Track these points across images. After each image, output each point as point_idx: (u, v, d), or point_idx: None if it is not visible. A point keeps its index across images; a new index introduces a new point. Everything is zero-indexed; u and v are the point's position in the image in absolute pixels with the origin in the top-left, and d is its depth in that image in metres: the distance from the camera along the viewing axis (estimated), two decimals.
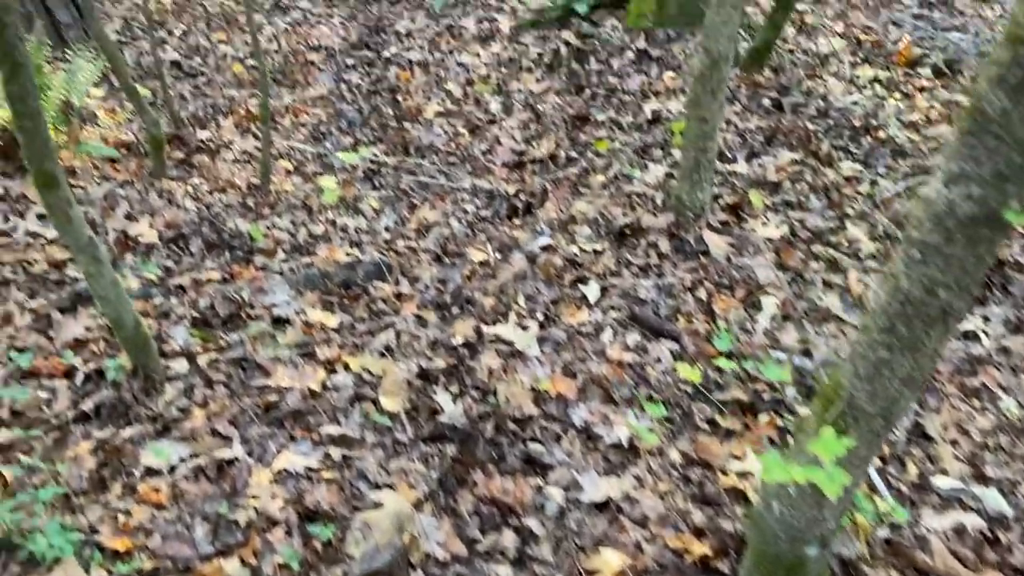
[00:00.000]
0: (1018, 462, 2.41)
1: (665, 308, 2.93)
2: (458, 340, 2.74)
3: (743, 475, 2.29)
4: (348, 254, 3.44)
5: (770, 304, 2.96)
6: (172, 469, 2.18)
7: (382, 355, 2.69)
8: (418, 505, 2.12)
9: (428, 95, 5.46)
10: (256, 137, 4.77)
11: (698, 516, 2.14)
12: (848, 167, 3.92)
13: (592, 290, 3.03)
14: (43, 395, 2.37)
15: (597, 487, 2.20)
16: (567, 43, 5.73)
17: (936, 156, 3.95)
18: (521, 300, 2.99)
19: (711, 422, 2.53)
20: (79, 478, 2.12)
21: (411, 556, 1.98)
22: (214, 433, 2.30)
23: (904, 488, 2.29)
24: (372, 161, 4.58)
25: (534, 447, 2.33)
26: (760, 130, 4.29)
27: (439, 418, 2.40)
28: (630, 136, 4.44)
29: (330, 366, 2.62)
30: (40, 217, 3.43)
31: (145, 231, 3.35)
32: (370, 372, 2.58)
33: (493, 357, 2.64)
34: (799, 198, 3.66)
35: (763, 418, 2.51)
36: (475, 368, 2.60)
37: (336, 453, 2.25)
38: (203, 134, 4.76)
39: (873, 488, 2.26)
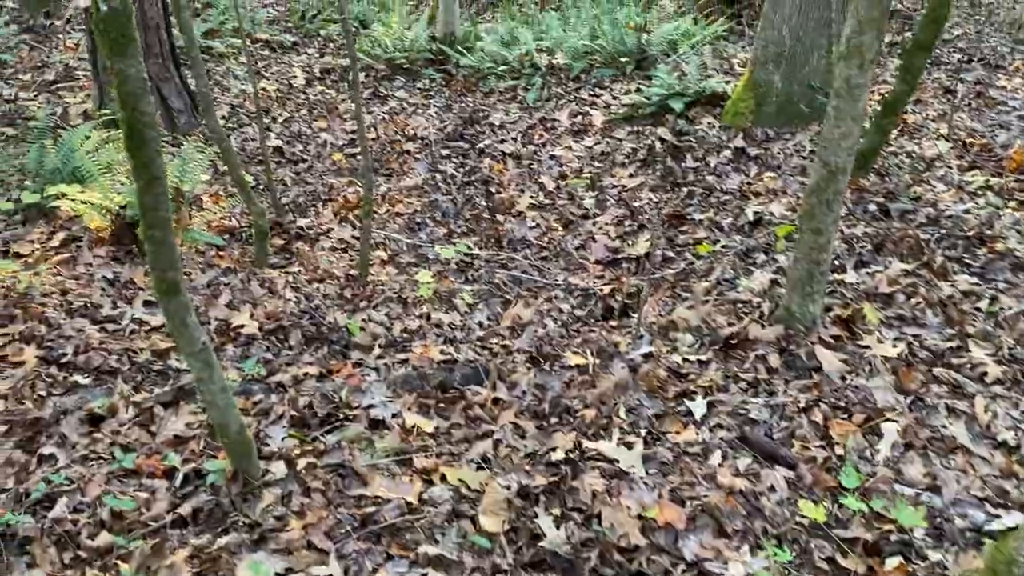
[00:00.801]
0: None
1: (778, 430, 2.78)
2: (558, 455, 2.63)
3: None
4: (443, 352, 3.40)
5: (891, 431, 2.77)
6: None
7: (479, 467, 2.60)
8: None
9: (521, 187, 5.49)
10: (354, 226, 4.84)
11: None
12: (964, 280, 3.72)
13: (699, 406, 2.89)
14: (142, 495, 2.35)
15: None
16: (662, 139, 5.72)
17: None
18: (623, 413, 2.87)
19: (831, 560, 2.35)
20: None
21: None
22: (310, 546, 2.22)
23: None
24: (466, 254, 4.58)
25: None
26: (868, 237, 4.14)
27: (541, 543, 2.28)
28: (731, 238, 4.34)
29: (427, 476, 2.54)
30: (146, 304, 3.50)
31: (247, 322, 3.38)
32: (468, 486, 2.49)
33: (596, 477, 2.52)
34: (914, 313, 3.47)
35: (890, 562, 2.31)
36: (577, 488, 2.48)
37: None
38: (303, 221, 4.86)
39: None
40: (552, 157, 5.89)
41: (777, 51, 5.44)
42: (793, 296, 3.26)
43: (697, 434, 2.76)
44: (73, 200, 3.76)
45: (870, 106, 5.35)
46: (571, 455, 2.63)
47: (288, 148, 6.03)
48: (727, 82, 6.31)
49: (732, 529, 2.38)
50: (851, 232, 4.19)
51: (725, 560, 2.26)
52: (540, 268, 4.50)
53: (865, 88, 2.85)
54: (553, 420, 2.86)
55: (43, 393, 2.84)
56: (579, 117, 6.42)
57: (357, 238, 4.50)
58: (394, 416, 2.81)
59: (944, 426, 2.84)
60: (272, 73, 7.69)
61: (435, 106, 7.10)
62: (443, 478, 2.53)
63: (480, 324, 3.86)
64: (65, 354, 3.00)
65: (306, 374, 3.09)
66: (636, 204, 5.02)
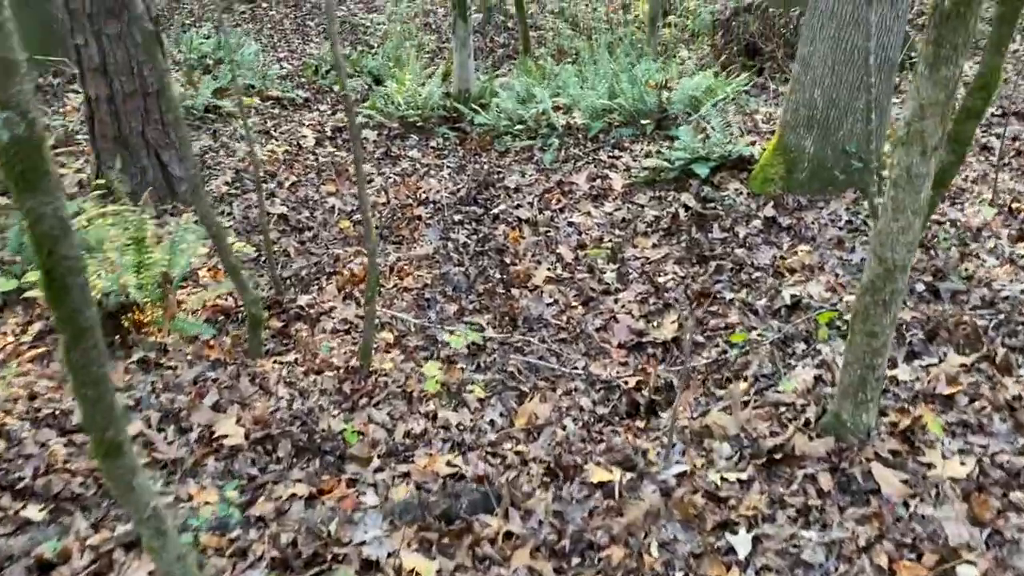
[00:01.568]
0: None
1: None
2: None
3: None
4: (449, 464, 3.04)
5: None
6: None
7: None
8: None
9: (538, 258, 5.16)
10: (358, 303, 4.52)
11: None
12: None
13: (742, 542, 2.51)
14: None
15: None
16: (686, 206, 5.39)
17: None
18: (655, 550, 2.50)
19: None
20: None
21: None
22: None
23: None
24: (477, 340, 4.23)
25: None
26: (918, 323, 3.76)
27: None
28: (766, 323, 3.97)
29: None
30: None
31: (231, 431, 3.04)
32: None
33: None
34: (979, 419, 3.08)
35: None
36: None
37: None
38: (304, 298, 4.55)
39: None
40: (570, 224, 5.56)
41: (808, 114, 5.12)
42: (844, 404, 2.89)
43: None
44: None
45: None
46: None
47: (293, 215, 5.75)
48: (752, 142, 5.99)
49: None
50: (899, 317, 3.81)
51: None
52: (558, 353, 4.14)
53: (927, 177, 2.51)
54: (575, 561, 2.49)
55: None
56: (598, 180, 6.11)
57: (361, 317, 4.17)
58: (390, 556, 2.45)
59: None
60: (281, 132, 7.46)
61: (448, 167, 6.82)
62: None
63: (492, 423, 3.50)
64: (23, 478, 2.67)
65: (293, 495, 2.74)
66: (660, 279, 4.67)
